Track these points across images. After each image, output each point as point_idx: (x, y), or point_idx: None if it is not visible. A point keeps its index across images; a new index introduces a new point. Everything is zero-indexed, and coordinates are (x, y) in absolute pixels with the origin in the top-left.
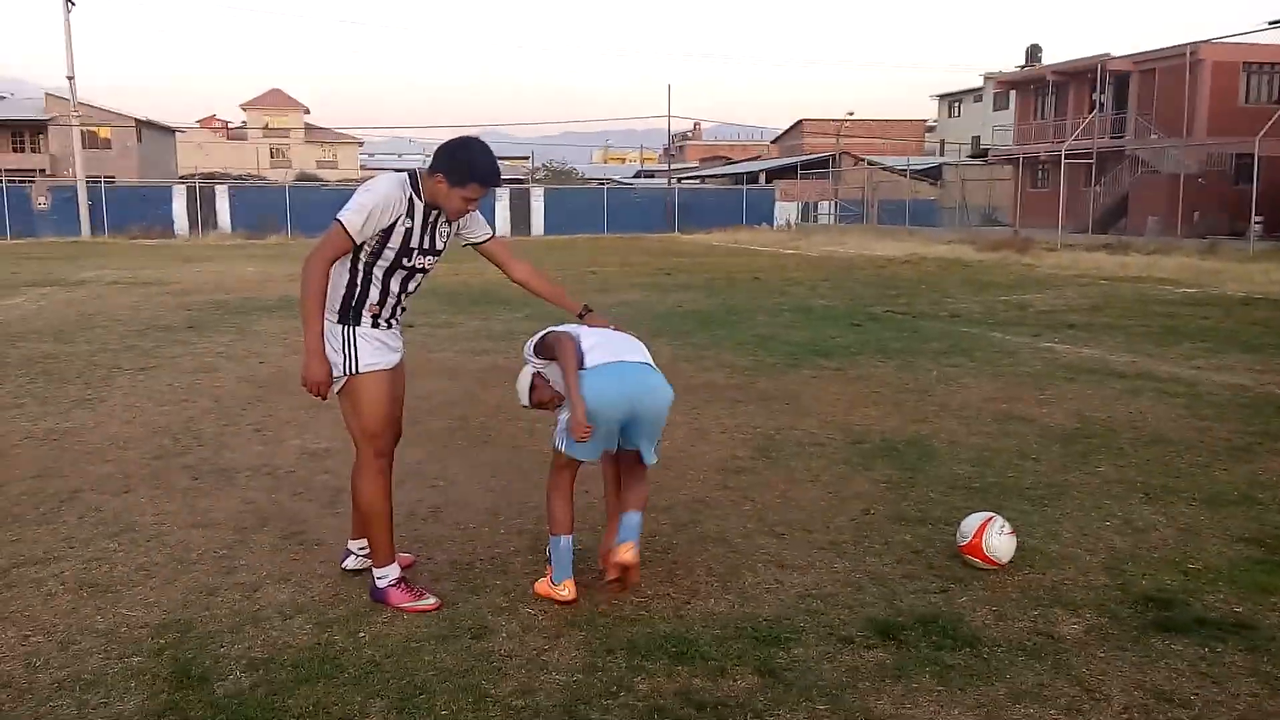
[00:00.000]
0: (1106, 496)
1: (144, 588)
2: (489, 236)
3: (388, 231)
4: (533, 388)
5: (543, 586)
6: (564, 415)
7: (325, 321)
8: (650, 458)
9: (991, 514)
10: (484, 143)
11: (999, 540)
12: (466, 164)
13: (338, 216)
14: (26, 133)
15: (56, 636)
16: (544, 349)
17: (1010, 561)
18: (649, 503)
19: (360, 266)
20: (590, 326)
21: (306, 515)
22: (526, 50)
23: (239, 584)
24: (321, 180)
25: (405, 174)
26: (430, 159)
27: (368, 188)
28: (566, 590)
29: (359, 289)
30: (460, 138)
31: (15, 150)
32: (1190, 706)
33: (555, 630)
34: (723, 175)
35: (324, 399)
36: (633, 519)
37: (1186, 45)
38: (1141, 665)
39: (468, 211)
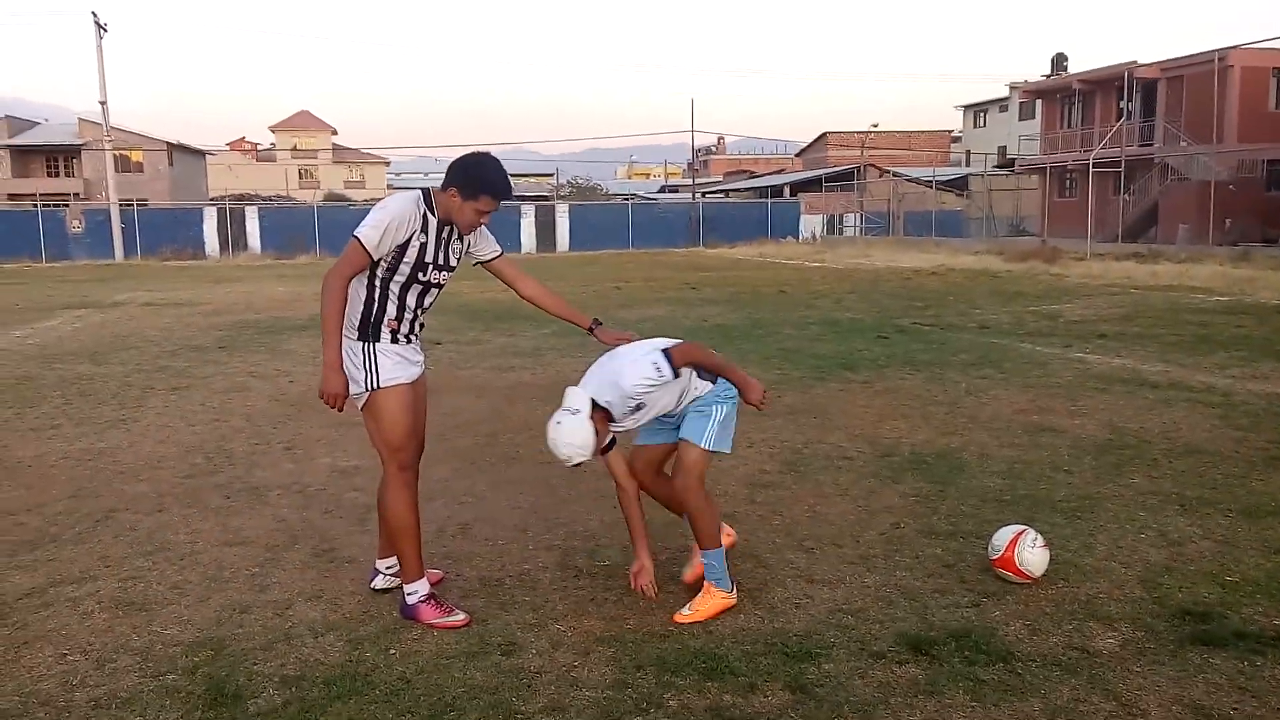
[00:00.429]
0: (1141, 508)
1: (178, 606)
2: (498, 254)
3: (403, 247)
4: (596, 433)
5: (713, 605)
6: (721, 409)
7: (345, 339)
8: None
9: (1024, 527)
10: (495, 157)
11: (1032, 553)
12: (478, 177)
13: (355, 233)
14: (61, 157)
15: (93, 655)
16: (681, 358)
17: (1044, 575)
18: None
19: (377, 283)
20: (602, 340)
21: (337, 533)
22: (550, 68)
23: (271, 602)
24: (349, 200)
25: (419, 191)
26: (444, 176)
27: (383, 205)
28: (734, 593)
29: (376, 305)
30: (472, 153)
31: (50, 175)
32: None
33: (585, 647)
34: (747, 189)
35: (340, 411)
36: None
37: (1214, 51)
38: (1179, 680)
39: (480, 224)
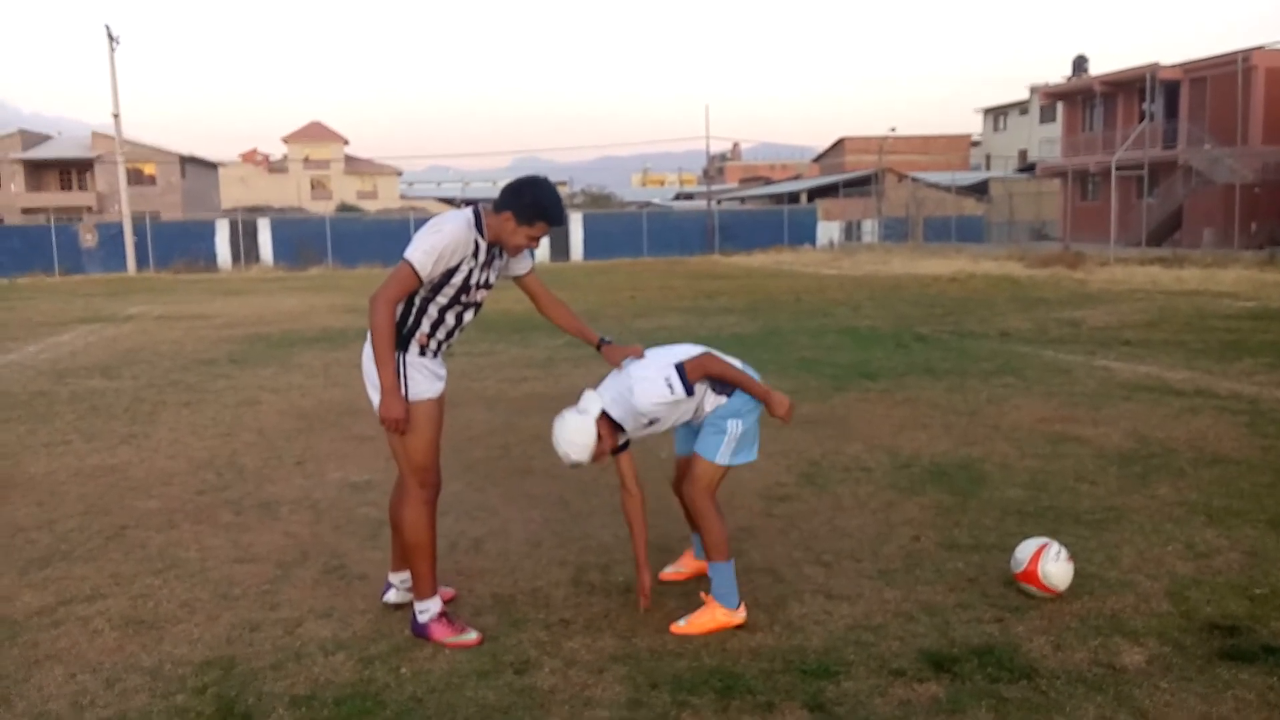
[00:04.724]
0: (1167, 520)
1: (188, 624)
2: (530, 270)
3: (452, 271)
4: (599, 438)
5: (711, 621)
6: (738, 426)
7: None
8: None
9: (1047, 540)
10: (549, 182)
11: (1056, 567)
12: (534, 203)
13: (407, 257)
14: (74, 171)
15: (103, 675)
16: (696, 373)
17: (1068, 589)
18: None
19: (417, 300)
20: (609, 359)
21: (348, 549)
22: (563, 76)
23: (281, 619)
24: (362, 211)
25: (470, 213)
26: (498, 197)
27: (436, 229)
28: (743, 612)
29: (412, 319)
30: (528, 177)
31: (63, 188)
32: None
33: (599, 665)
34: (763, 195)
35: (403, 434)
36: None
37: (1238, 52)
38: (1207, 696)
39: (528, 248)
